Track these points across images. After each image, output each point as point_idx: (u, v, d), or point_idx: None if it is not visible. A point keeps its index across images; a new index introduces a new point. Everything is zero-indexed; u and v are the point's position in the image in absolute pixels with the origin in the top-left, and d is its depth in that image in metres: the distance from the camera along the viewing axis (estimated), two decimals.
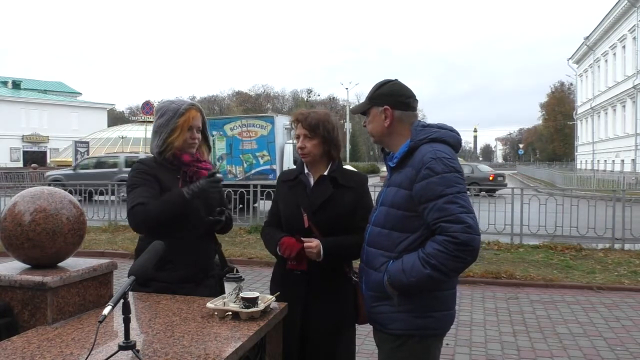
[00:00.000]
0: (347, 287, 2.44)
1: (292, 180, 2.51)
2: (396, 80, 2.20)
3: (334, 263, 2.38)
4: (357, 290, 2.38)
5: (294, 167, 2.68)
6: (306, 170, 2.49)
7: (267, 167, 14.11)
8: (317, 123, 2.40)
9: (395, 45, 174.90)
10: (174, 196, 2.36)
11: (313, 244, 2.30)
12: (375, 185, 7.76)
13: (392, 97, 2.13)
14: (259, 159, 14.17)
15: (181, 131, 2.46)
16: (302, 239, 2.31)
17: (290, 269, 2.41)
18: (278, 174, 14.05)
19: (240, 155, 14.27)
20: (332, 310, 2.38)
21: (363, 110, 2.22)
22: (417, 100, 2.17)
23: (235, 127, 14.36)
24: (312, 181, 2.47)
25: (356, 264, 2.42)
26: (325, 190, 2.40)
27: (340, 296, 2.41)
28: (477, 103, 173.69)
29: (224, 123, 14.58)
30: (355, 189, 2.44)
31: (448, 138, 2.08)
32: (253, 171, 14.21)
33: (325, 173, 2.44)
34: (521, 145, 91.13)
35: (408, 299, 2.02)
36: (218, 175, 2.43)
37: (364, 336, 4.18)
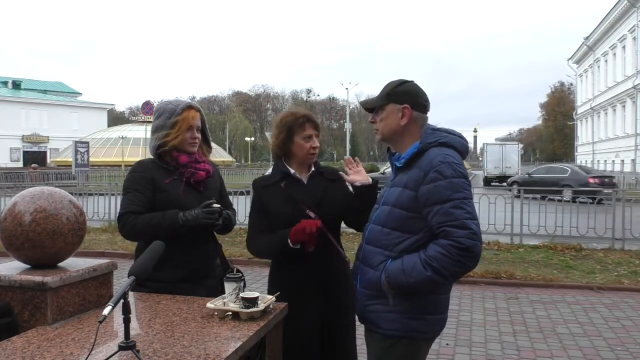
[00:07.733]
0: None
1: (278, 182, 2.48)
2: (413, 81, 2.18)
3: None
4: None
5: None
6: (292, 171, 2.49)
7: None
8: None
9: (396, 45, 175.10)
10: (167, 220, 2.34)
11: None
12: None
13: (413, 97, 2.11)
14: None
15: (179, 131, 2.45)
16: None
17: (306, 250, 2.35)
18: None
19: None
20: (345, 313, 2.50)
21: (377, 105, 2.16)
22: (430, 105, 2.17)
23: None
24: (304, 179, 2.51)
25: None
26: (322, 184, 2.52)
27: (351, 300, 2.40)
28: (477, 102, 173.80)
29: None
30: (339, 180, 2.55)
31: (456, 144, 2.08)
32: None
33: (313, 169, 2.56)
34: (521, 145, 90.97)
35: (403, 299, 2.01)
36: (215, 205, 2.37)
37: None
